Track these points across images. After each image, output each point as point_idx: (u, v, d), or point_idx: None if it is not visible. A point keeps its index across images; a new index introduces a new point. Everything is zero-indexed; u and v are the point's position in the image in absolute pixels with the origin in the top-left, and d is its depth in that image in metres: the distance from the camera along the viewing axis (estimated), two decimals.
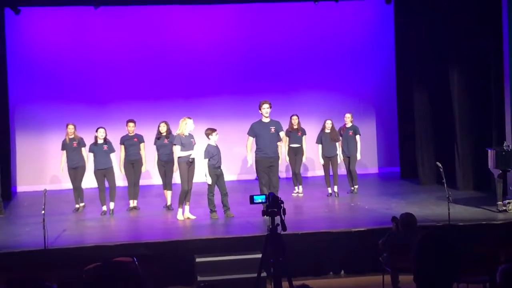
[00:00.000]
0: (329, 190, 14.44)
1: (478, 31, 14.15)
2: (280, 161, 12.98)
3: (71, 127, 13.56)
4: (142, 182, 14.18)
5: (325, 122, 14.54)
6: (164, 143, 13.28)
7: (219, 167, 12.30)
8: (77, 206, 13.53)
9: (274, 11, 17.47)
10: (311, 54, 17.64)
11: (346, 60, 17.77)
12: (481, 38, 14.09)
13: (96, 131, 13.36)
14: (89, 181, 14.48)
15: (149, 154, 14.13)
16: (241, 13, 17.45)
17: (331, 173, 14.42)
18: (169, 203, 13.58)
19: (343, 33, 17.75)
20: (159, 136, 13.57)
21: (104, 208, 13.29)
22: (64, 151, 13.52)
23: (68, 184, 14.02)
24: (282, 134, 12.89)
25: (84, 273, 4.23)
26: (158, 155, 13.55)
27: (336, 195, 14.33)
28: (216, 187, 12.25)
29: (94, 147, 13.30)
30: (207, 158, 12.12)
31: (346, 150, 14.46)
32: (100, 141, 13.30)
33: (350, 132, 14.49)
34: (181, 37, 17.28)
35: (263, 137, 12.46)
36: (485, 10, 13.95)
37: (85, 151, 13.56)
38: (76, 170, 13.50)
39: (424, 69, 15.51)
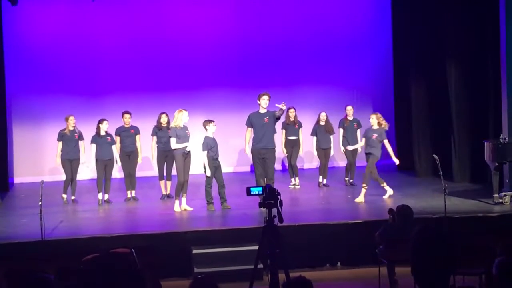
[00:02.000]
0: (324, 181, 14.59)
1: (475, 23, 14.16)
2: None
3: (72, 118, 13.53)
4: (139, 173, 14.23)
5: (319, 115, 14.65)
6: (169, 135, 13.26)
7: (217, 158, 12.31)
8: (64, 195, 13.46)
9: (272, 4, 17.46)
10: (308, 47, 17.63)
11: (343, 53, 17.76)
12: (478, 30, 14.09)
13: (101, 123, 13.32)
14: (82, 173, 14.47)
15: (144, 146, 14.15)
16: (238, 5, 17.43)
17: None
18: (168, 192, 13.65)
19: (340, 25, 17.72)
20: (160, 127, 13.60)
21: (100, 195, 13.34)
22: (61, 142, 13.49)
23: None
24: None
25: (82, 263, 4.23)
26: (161, 146, 13.56)
27: (321, 185, 14.52)
28: (213, 179, 12.26)
29: (98, 139, 13.30)
30: (206, 150, 12.12)
31: (351, 143, 14.44)
32: (103, 133, 13.30)
33: (355, 125, 14.55)
34: (179, 29, 17.25)
35: (257, 128, 12.42)
36: (482, 2, 13.96)
37: (83, 144, 13.55)
38: (72, 162, 13.48)
39: (421, 62, 15.53)
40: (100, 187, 13.36)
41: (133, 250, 3.85)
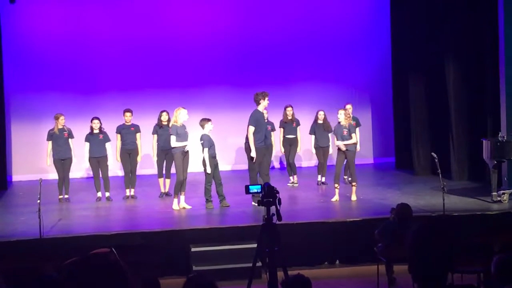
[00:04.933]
0: (323, 179, 14.59)
1: (474, 21, 14.15)
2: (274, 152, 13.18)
3: (62, 117, 13.52)
4: (139, 171, 14.19)
5: (317, 113, 14.65)
6: (169, 132, 13.25)
7: (215, 156, 12.34)
8: (60, 196, 13.46)
9: (271, 3, 17.45)
10: (306, 45, 17.61)
11: (341, 50, 17.75)
12: (477, 28, 14.09)
13: (91, 121, 13.41)
14: (79, 171, 14.38)
15: (145, 144, 14.15)
16: (237, 3, 17.42)
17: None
18: (167, 190, 13.67)
19: (339, 23, 17.71)
20: (161, 125, 13.60)
21: (99, 194, 13.44)
22: (50, 142, 13.48)
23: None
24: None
25: (60, 269, 4.15)
26: (159, 143, 13.56)
27: (320, 183, 14.54)
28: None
29: (90, 137, 13.38)
30: (207, 147, 12.15)
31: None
32: (96, 131, 13.33)
33: (353, 123, 14.48)
34: (178, 28, 17.23)
35: (262, 126, 12.49)
36: (481, 1, 13.96)
37: (71, 143, 13.54)
38: (64, 162, 13.46)
39: (419, 59, 15.51)
40: (97, 186, 13.40)
41: (113, 249, 3.79)
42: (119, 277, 3.33)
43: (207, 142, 12.16)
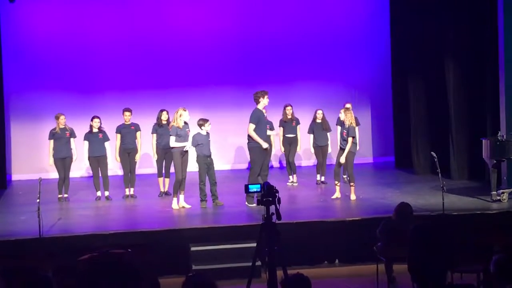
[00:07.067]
0: (322, 178, 14.57)
1: (474, 21, 14.16)
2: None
3: (63, 117, 13.52)
4: (138, 170, 14.18)
5: (315, 112, 14.65)
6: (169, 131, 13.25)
7: (209, 156, 12.33)
8: (59, 196, 13.45)
9: (270, 2, 17.44)
10: (306, 44, 17.60)
11: (341, 49, 17.74)
12: (477, 27, 14.10)
13: (92, 120, 13.40)
14: (79, 170, 14.33)
15: (145, 143, 14.14)
16: (237, 3, 17.41)
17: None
18: (166, 189, 13.68)
19: (338, 22, 17.70)
20: (161, 124, 13.58)
21: (99, 193, 13.43)
22: (52, 141, 13.47)
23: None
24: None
25: (78, 263, 4.19)
26: (159, 142, 13.55)
27: (319, 182, 14.53)
28: (206, 176, 12.31)
29: (90, 135, 13.36)
30: (193, 145, 12.24)
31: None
32: (95, 130, 13.33)
33: (355, 125, 14.46)
34: (177, 27, 17.22)
35: (263, 125, 12.53)
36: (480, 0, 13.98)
37: (73, 142, 13.54)
38: (64, 161, 13.44)
39: (419, 59, 15.51)
40: (97, 185, 13.41)
41: (130, 250, 3.82)
42: (131, 278, 3.35)
43: (193, 141, 12.27)
